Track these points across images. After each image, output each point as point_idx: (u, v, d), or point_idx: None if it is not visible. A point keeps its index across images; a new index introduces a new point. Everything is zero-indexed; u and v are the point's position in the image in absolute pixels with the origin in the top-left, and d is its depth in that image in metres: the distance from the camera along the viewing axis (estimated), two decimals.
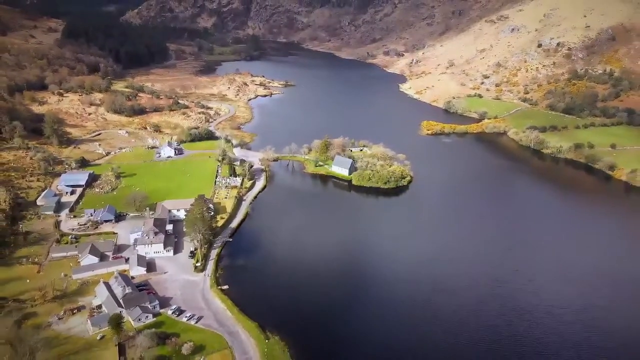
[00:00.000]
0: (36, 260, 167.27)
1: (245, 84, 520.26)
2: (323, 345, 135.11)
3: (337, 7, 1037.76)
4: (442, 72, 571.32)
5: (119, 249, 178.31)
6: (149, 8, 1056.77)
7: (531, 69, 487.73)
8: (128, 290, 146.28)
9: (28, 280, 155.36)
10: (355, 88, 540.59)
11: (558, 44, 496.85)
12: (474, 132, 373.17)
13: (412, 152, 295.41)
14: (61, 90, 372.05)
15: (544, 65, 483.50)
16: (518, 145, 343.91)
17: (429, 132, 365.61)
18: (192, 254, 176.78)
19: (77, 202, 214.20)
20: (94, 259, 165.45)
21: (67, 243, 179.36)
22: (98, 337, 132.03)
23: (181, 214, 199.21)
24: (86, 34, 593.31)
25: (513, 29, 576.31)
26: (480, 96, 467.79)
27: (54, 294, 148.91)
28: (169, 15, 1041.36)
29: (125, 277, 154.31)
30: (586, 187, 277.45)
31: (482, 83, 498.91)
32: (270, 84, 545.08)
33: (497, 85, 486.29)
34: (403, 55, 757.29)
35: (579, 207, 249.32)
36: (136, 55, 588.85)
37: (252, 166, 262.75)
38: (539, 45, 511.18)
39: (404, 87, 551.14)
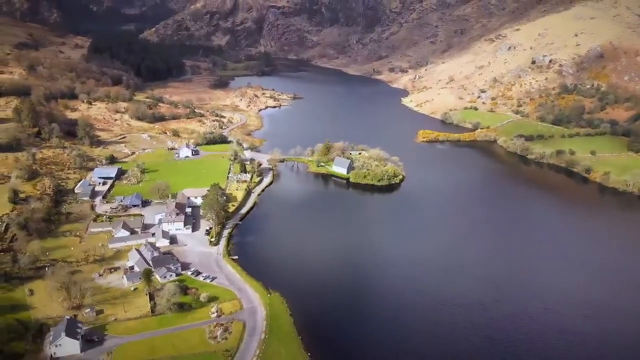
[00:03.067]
0: (77, 233, 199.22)
1: (256, 96, 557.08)
2: (315, 302, 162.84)
3: (345, 26, 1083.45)
4: (442, 86, 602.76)
5: (145, 227, 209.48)
6: (165, 27, 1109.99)
7: (525, 84, 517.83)
8: (156, 254, 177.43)
9: (72, 248, 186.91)
10: (359, 101, 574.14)
11: (550, 61, 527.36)
12: (467, 140, 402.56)
13: (407, 156, 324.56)
14: (90, 99, 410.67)
15: (536, 81, 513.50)
16: (506, 152, 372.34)
17: (425, 139, 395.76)
18: (208, 232, 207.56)
19: (108, 191, 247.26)
20: (126, 233, 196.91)
21: (102, 221, 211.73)
22: (132, 289, 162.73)
23: (198, 201, 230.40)
24: (110, 50, 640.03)
25: (510, 47, 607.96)
26: (475, 109, 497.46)
27: (94, 258, 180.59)
28: (185, 34, 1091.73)
29: (153, 246, 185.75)
30: (565, 187, 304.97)
31: (479, 97, 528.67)
32: (280, 96, 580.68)
33: (492, 98, 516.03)
34: (407, 71, 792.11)
35: (560, 203, 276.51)
36: (155, 70, 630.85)
37: (260, 164, 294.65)
38: (533, 62, 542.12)
39: (406, 101, 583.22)
